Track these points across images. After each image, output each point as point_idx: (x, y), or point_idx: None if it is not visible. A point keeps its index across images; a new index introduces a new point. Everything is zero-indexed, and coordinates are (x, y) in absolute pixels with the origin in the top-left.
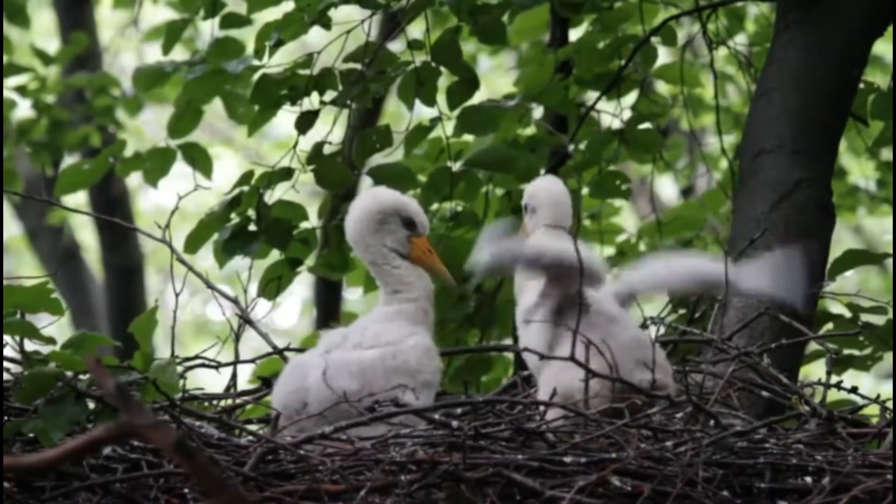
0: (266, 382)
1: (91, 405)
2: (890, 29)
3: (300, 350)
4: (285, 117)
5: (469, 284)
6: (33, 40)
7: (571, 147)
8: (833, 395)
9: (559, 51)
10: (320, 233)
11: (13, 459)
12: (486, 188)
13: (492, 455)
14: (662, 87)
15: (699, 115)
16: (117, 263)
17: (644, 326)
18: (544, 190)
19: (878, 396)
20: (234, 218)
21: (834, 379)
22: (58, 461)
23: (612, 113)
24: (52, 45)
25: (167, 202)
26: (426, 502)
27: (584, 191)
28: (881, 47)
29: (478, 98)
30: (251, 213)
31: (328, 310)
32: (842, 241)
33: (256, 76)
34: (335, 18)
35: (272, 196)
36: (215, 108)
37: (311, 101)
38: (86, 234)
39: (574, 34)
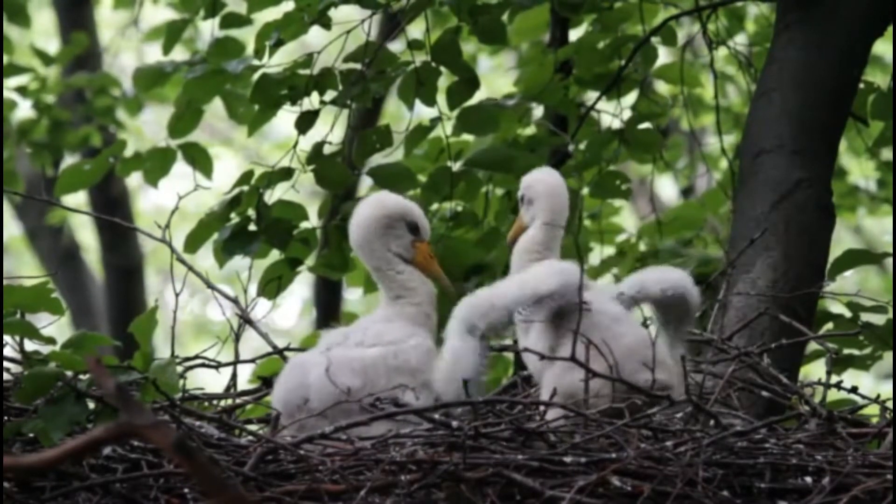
0: (266, 382)
1: (91, 405)
2: (890, 29)
3: (300, 350)
4: (285, 118)
5: (469, 285)
6: (33, 40)
7: (571, 147)
8: (833, 395)
9: (559, 51)
10: (320, 233)
11: (13, 459)
12: (486, 188)
13: (492, 455)
14: (662, 87)
15: (699, 115)
16: (117, 263)
17: (644, 326)
18: (541, 181)
19: (878, 396)
20: (234, 218)
21: (834, 379)
22: (58, 461)
23: (612, 113)
24: (52, 46)
25: (167, 202)
26: (426, 502)
27: (584, 191)
28: (881, 47)
29: (478, 98)
30: (251, 212)
31: (328, 310)
32: (842, 241)
33: (256, 76)
34: (335, 18)
35: (272, 196)
36: (215, 108)
37: (311, 101)
38: (86, 234)
39: (574, 34)
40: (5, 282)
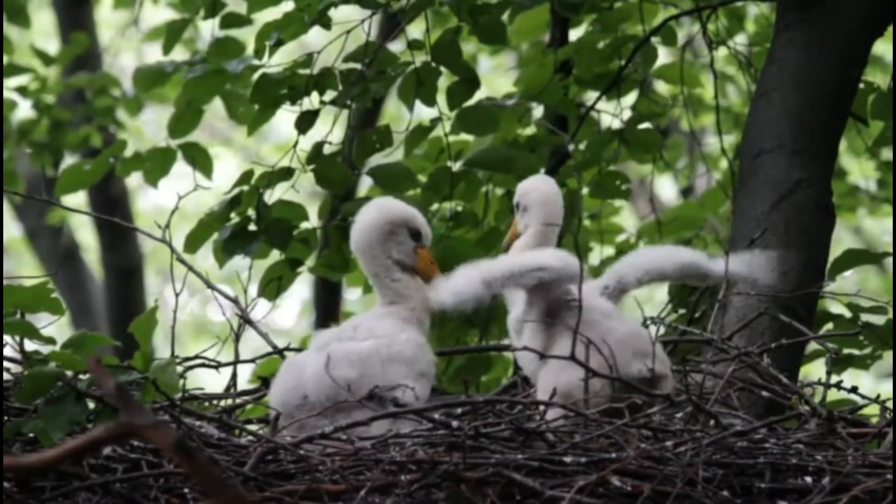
0: (266, 382)
1: (91, 405)
2: (890, 29)
3: (300, 350)
4: (285, 118)
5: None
6: (33, 40)
7: (571, 147)
8: (833, 394)
9: (559, 51)
10: (320, 233)
11: (13, 459)
12: (486, 188)
13: (492, 455)
14: (662, 87)
15: (699, 115)
16: (117, 263)
17: (644, 326)
18: (535, 189)
19: (878, 396)
20: (234, 218)
21: (834, 379)
22: (58, 461)
23: (612, 113)
24: (52, 46)
25: (167, 202)
26: (426, 502)
27: (584, 191)
28: (881, 47)
29: (478, 98)
30: (251, 212)
31: (328, 310)
32: (842, 241)
33: (256, 76)
34: (335, 18)
35: (272, 196)
36: (215, 109)
37: (311, 101)
38: (85, 235)
39: (574, 34)
40: (5, 282)
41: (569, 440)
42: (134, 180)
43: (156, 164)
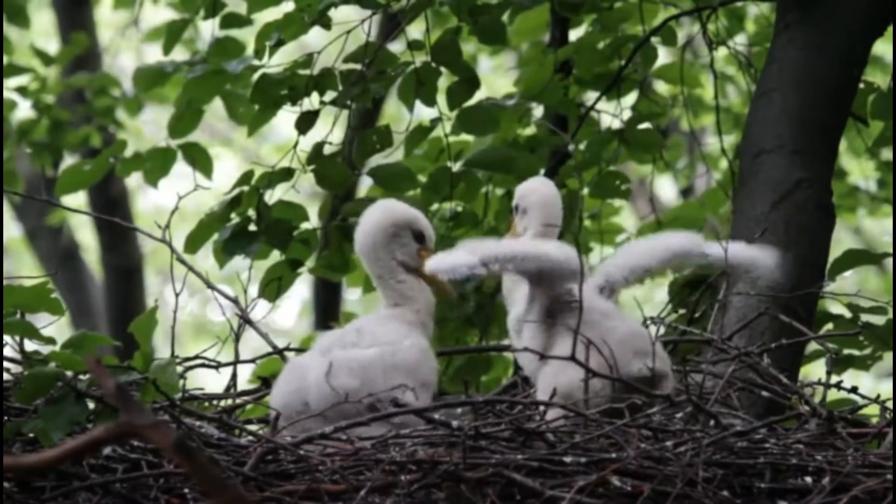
0: (266, 382)
1: (91, 405)
2: (890, 29)
3: (300, 350)
4: (285, 119)
5: (468, 285)
6: (33, 40)
7: (571, 147)
8: (833, 395)
9: (559, 51)
10: (320, 233)
11: (13, 459)
12: (486, 188)
13: (492, 455)
14: (662, 87)
15: (699, 115)
16: (117, 264)
17: (644, 326)
18: (535, 191)
19: (878, 396)
20: (235, 218)
21: (834, 379)
22: (58, 461)
23: (612, 113)
24: (52, 46)
25: (167, 202)
26: (426, 502)
27: (584, 191)
28: (881, 47)
29: (478, 98)
30: (251, 213)
31: (328, 310)
32: (842, 241)
33: (256, 76)
34: (335, 18)
35: (272, 196)
36: (214, 109)
37: (311, 102)
38: (85, 235)
39: (574, 34)
40: (5, 282)
41: (569, 440)
42: (134, 180)
43: (156, 164)
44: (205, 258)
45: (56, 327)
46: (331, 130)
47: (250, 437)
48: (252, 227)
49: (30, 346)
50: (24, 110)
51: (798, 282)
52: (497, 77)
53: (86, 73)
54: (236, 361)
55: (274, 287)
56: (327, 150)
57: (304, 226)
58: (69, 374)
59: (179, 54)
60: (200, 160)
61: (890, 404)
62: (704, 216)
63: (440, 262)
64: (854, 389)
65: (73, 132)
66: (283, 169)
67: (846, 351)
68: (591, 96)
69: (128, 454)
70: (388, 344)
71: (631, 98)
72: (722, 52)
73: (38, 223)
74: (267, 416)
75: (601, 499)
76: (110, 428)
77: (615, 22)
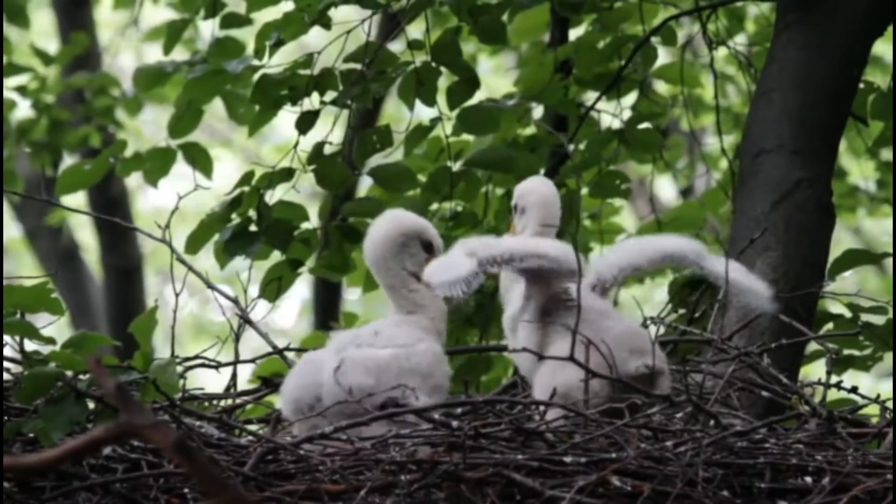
0: (266, 382)
1: (91, 405)
2: (890, 29)
3: (300, 350)
4: (285, 119)
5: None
6: (33, 40)
7: (571, 147)
8: (833, 395)
9: (559, 50)
10: (321, 233)
11: (13, 459)
12: (486, 188)
13: (492, 455)
14: (662, 87)
15: (699, 115)
16: (117, 264)
17: (644, 326)
18: (533, 191)
19: (878, 396)
20: (235, 218)
21: (834, 379)
22: (58, 461)
23: (612, 113)
24: (52, 46)
25: (167, 202)
26: (426, 502)
27: (584, 191)
28: (881, 47)
29: (478, 98)
30: (252, 213)
31: (328, 310)
32: (842, 241)
33: (257, 76)
34: (335, 18)
35: (273, 197)
36: (214, 110)
37: (312, 102)
38: (85, 235)
39: (574, 34)
40: (5, 282)
41: (569, 440)
42: (134, 180)
43: (156, 164)
44: (205, 258)
45: (56, 327)
46: (331, 130)
47: (250, 437)
48: (253, 228)
49: (30, 346)
50: (23, 110)
51: (798, 282)
52: (497, 77)
53: (85, 72)
54: (236, 361)
55: (274, 287)
56: (327, 150)
57: (305, 226)
58: (69, 374)
59: (179, 54)
60: (200, 160)
61: (890, 404)
62: (704, 216)
63: (437, 278)
64: (854, 389)
65: (72, 132)
66: (284, 169)
67: (846, 351)
68: (590, 96)
69: (128, 454)
70: (403, 346)
71: (631, 98)
72: (722, 52)
73: (38, 223)
74: (267, 416)
75: (601, 499)
76: (110, 428)
77: (615, 22)
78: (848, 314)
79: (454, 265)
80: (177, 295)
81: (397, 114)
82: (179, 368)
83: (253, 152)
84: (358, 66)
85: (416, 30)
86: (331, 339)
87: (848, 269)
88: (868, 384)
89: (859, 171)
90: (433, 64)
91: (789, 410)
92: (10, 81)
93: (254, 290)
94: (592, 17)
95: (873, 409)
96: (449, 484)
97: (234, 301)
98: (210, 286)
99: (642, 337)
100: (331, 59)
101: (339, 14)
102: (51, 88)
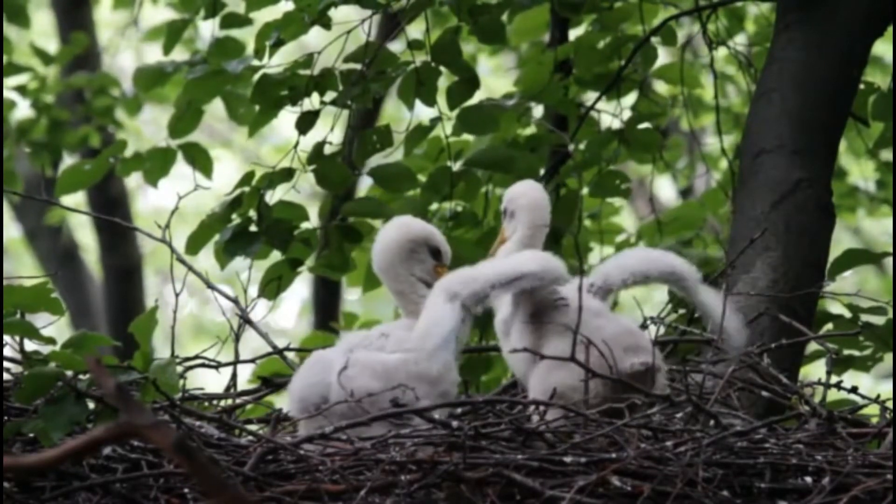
0: (266, 382)
1: (91, 405)
2: (890, 29)
3: (300, 350)
4: (285, 119)
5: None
6: (33, 40)
7: (571, 147)
8: (833, 395)
9: (559, 50)
10: (320, 233)
11: (13, 459)
12: (486, 188)
13: (492, 455)
14: (662, 87)
15: (699, 115)
16: (116, 264)
17: (644, 326)
18: (523, 194)
19: (878, 396)
20: (235, 219)
21: (834, 379)
22: (58, 461)
23: (612, 113)
24: (52, 46)
25: (166, 202)
26: (426, 502)
27: (584, 191)
28: (881, 47)
29: (478, 98)
30: (252, 213)
31: (327, 310)
32: (841, 241)
33: (257, 76)
34: (335, 18)
35: (273, 197)
36: (214, 110)
37: (312, 102)
38: (85, 235)
39: (574, 34)
40: (5, 282)
41: (569, 440)
42: (133, 180)
43: (156, 164)
44: (204, 258)
45: (56, 327)
46: (331, 130)
47: (250, 437)
48: (253, 228)
49: (30, 346)
50: (23, 110)
51: (798, 282)
52: (497, 77)
53: (85, 72)
54: (236, 361)
55: (274, 287)
56: (327, 150)
57: (305, 226)
58: (69, 374)
59: (179, 54)
60: (200, 160)
61: (890, 404)
62: (704, 216)
63: (429, 343)
64: (854, 389)
65: (72, 132)
66: (284, 169)
67: (846, 351)
68: (590, 96)
69: (128, 454)
70: (413, 351)
71: (631, 98)
72: (722, 52)
73: (38, 223)
74: (267, 416)
75: (601, 499)
76: (110, 428)
77: (615, 22)
78: (848, 314)
79: (438, 321)
80: (177, 295)
81: (397, 114)
82: (179, 368)
83: (253, 152)
84: (358, 66)
85: (415, 30)
86: (340, 339)
87: (848, 269)
88: (868, 384)
89: (859, 171)
90: (433, 64)
91: (789, 410)
92: (10, 81)
93: (254, 290)
94: (592, 17)
95: (873, 410)
96: (449, 484)
97: (234, 301)
98: (210, 286)
99: (636, 335)
100: (331, 60)
101: (339, 14)
102: (50, 88)
